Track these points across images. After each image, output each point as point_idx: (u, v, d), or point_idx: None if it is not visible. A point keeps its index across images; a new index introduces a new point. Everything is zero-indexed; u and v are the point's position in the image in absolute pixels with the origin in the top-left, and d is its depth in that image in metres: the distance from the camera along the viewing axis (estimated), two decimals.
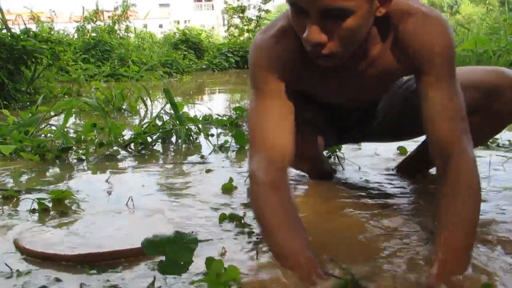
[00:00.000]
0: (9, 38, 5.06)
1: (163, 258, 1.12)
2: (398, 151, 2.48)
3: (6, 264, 1.26)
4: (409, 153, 2.18)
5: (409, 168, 2.11)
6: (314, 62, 1.32)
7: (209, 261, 1.11)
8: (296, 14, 1.25)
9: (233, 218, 1.59)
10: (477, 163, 1.29)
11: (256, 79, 1.44)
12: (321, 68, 1.37)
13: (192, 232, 1.45)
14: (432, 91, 1.36)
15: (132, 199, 1.79)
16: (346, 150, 2.43)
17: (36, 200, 1.76)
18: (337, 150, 2.35)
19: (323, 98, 1.66)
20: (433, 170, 2.03)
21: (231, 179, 1.96)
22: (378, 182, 2.00)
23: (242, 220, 1.56)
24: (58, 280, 1.19)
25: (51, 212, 1.72)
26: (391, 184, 1.97)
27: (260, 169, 1.36)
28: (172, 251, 1.12)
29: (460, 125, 1.33)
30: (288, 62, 1.40)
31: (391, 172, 2.16)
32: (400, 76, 1.58)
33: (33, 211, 1.73)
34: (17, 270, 1.23)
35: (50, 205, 1.78)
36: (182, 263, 1.11)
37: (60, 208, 1.76)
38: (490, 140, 2.58)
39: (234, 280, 1.05)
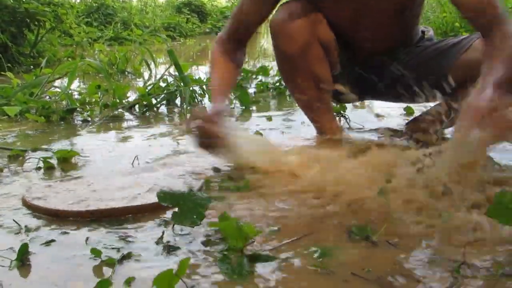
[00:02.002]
0: (12, 0, 5.02)
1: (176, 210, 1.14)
2: (405, 112, 2.47)
3: (14, 220, 1.27)
4: (420, 113, 2.14)
5: (420, 126, 2.07)
6: None
7: (225, 217, 1.11)
8: None
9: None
10: None
11: None
12: None
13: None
14: None
15: (137, 158, 1.80)
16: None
17: (41, 158, 1.76)
18: (342, 112, 2.34)
19: (339, 25, 1.80)
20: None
21: None
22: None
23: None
24: (65, 233, 1.21)
25: (57, 171, 1.73)
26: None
27: (224, 34, 1.88)
28: (186, 204, 1.13)
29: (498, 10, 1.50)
30: None
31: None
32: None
33: (38, 169, 1.74)
34: (26, 226, 1.24)
35: (55, 163, 1.79)
36: (195, 216, 1.12)
37: (66, 166, 1.77)
38: None
39: (250, 235, 1.05)
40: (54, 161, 1.79)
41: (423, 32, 1.96)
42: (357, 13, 1.70)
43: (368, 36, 1.80)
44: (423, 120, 2.03)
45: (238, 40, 1.86)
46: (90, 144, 2.09)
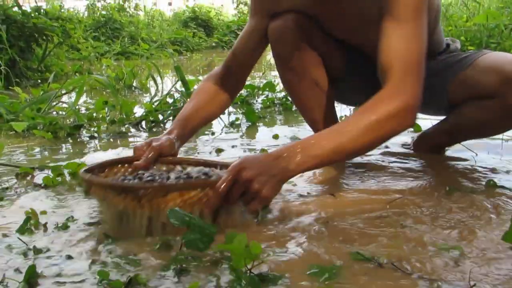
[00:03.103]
0: (21, 15, 5.06)
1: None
2: (412, 129, 2.45)
3: (20, 239, 1.27)
4: (425, 129, 2.12)
5: (426, 144, 2.06)
6: None
7: (232, 235, 1.09)
8: None
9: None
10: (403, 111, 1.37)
11: (250, 9, 1.85)
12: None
13: None
14: (392, 32, 1.42)
15: None
16: None
17: (50, 172, 1.77)
18: None
19: (328, 30, 1.80)
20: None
21: None
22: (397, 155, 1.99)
23: None
24: (70, 257, 1.20)
25: (67, 186, 1.73)
26: (407, 160, 1.96)
27: (218, 68, 1.86)
28: (195, 228, 1.13)
29: (407, 67, 1.38)
30: None
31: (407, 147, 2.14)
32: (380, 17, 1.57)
33: (47, 185, 1.74)
34: (34, 247, 1.23)
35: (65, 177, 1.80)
36: (205, 239, 1.13)
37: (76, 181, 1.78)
38: None
39: (257, 255, 1.04)
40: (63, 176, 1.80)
41: (448, 45, 1.93)
42: (354, 26, 1.69)
43: (374, 48, 1.80)
44: (430, 137, 2.03)
45: (232, 74, 1.85)
46: (97, 160, 2.09)
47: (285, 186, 1.43)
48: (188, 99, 1.92)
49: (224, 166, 1.45)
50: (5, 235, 1.32)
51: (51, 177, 1.77)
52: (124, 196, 1.24)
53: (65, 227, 1.36)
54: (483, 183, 1.65)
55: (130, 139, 2.54)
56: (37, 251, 1.22)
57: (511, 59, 1.65)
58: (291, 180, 1.45)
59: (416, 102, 1.39)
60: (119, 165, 1.51)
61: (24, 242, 1.26)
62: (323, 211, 1.42)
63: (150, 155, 1.48)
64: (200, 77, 5.47)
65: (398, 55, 1.40)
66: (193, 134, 1.78)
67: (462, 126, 1.82)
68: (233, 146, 2.32)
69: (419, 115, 2.26)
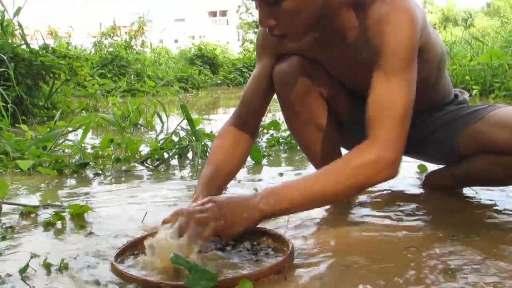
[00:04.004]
0: (28, 53, 5.12)
1: None
2: (419, 169, 2.44)
3: (24, 281, 1.26)
4: (437, 168, 2.10)
5: (434, 183, 2.05)
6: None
7: (244, 282, 1.11)
8: (255, 6, 1.48)
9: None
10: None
11: (256, 52, 1.87)
12: (305, 43, 1.68)
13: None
14: (378, 83, 1.44)
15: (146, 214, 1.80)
16: None
17: (52, 212, 1.77)
18: None
19: (332, 74, 1.81)
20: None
21: None
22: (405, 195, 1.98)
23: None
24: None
25: (69, 227, 1.73)
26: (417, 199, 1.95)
27: (230, 119, 1.83)
28: (197, 273, 1.13)
29: (390, 120, 1.40)
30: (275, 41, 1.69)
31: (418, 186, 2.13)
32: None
33: (50, 226, 1.74)
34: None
35: (67, 219, 1.79)
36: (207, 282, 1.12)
37: (78, 222, 1.78)
38: None
39: None
40: (66, 216, 1.80)
41: (456, 96, 1.94)
42: (354, 70, 1.69)
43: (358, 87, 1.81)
44: (438, 177, 2.03)
45: (245, 124, 1.81)
46: (102, 199, 2.09)
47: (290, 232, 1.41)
48: (207, 152, 1.94)
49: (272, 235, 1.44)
50: (8, 275, 1.31)
51: (52, 221, 1.76)
52: None
53: (66, 267, 1.35)
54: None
55: (136, 178, 2.54)
56: None
57: None
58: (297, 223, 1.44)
59: (397, 154, 1.41)
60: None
61: (27, 283, 1.25)
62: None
63: None
64: (206, 116, 5.51)
65: (382, 107, 1.42)
66: (220, 193, 1.70)
67: (472, 176, 1.81)
68: (239, 181, 2.34)
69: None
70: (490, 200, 1.90)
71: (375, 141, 1.40)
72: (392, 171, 1.41)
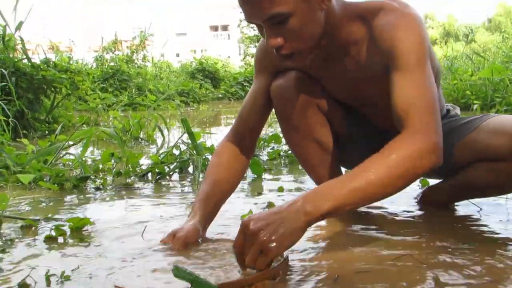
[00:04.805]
0: (30, 68, 5.14)
1: None
2: (420, 184, 2.43)
3: None
4: (431, 184, 2.10)
5: (431, 199, 2.04)
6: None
7: None
8: (258, 29, 1.48)
9: None
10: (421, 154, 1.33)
11: (254, 68, 1.86)
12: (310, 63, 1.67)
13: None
14: (400, 81, 1.43)
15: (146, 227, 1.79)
16: None
17: (53, 227, 1.76)
18: None
19: (329, 90, 1.82)
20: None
21: (250, 212, 1.94)
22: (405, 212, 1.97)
23: None
24: None
25: (69, 241, 1.72)
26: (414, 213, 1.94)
27: (228, 135, 1.84)
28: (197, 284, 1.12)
29: (423, 109, 1.38)
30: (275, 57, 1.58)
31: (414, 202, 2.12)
32: (383, 72, 1.54)
33: (50, 239, 1.73)
34: None
35: (67, 232, 1.78)
36: None
37: (78, 235, 1.77)
38: None
39: None
40: (66, 229, 1.79)
41: (448, 110, 1.95)
42: (356, 84, 1.70)
43: (376, 113, 1.81)
44: (436, 193, 2.02)
45: (242, 139, 1.82)
46: (102, 213, 2.09)
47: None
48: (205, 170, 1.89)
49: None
50: None
51: (53, 235, 1.75)
52: None
53: (67, 278, 1.35)
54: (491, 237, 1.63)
55: (136, 191, 2.53)
56: None
57: None
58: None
59: (437, 139, 1.37)
60: None
61: None
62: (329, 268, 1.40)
63: (176, 248, 1.46)
64: (207, 130, 5.51)
65: (412, 101, 1.40)
66: (217, 210, 1.68)
67: (470, 186, 1.80)
68: (238, 197, 2.32)
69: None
70: (483, 212, 1.92)
71: (411, 130, 1.36)
72: (436, 156, 1.36)
